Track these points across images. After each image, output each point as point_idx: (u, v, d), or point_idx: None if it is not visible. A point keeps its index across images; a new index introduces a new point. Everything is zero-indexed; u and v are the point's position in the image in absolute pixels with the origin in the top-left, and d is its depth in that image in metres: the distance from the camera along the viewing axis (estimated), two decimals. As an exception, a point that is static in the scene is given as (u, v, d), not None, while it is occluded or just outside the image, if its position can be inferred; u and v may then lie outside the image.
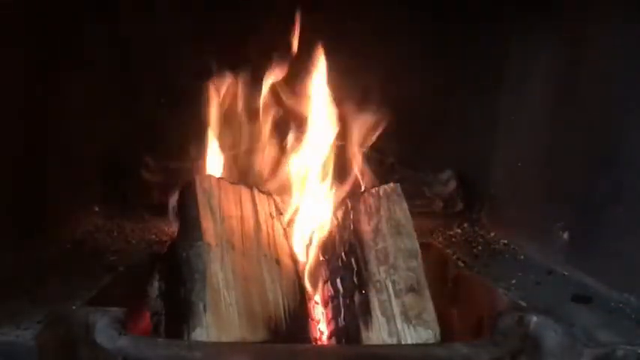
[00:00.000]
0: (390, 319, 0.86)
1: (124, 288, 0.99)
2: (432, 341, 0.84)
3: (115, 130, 1.41)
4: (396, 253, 0.92)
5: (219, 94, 1.30)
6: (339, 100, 1.27)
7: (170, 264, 0.94)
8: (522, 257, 1.21)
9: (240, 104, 1.31)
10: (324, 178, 1.25)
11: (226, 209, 0.97)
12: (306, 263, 1.10)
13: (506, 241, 1.31)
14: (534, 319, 0.84)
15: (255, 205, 1.04)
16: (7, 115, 0.99)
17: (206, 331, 0.81)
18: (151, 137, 1.45)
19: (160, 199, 1.41)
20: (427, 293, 0.88)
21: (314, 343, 0.96)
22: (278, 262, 0.97)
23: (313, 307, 1.06)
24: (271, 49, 1.29)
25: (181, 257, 0.91)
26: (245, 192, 1.04)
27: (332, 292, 1.00)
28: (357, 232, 0.97)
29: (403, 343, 0.84)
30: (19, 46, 1.01)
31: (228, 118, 1.31)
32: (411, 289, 0.88)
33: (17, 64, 1.01)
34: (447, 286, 1.17)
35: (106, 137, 1.41)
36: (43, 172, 1.13)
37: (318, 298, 1.07)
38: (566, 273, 1.07)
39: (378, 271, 0.91)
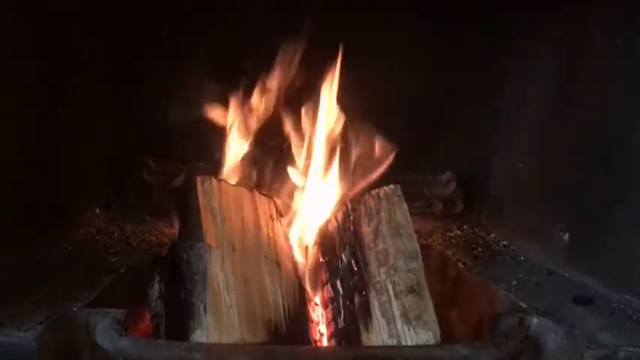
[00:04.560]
0: (390, 320, 0.86)
1: (124, 289, 0.99)
2: (432, 343, 0.83)
3: (116, 133, 1.42)
4: (396, 255, 0.92)
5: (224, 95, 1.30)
6: (339, 102, 1.27)
7: (171, 265, 0.94)
8: (522, 258, 1.20)
9: (243, 105, 1.32)
10: (324, 180, 1.25)
11: (227, 211, 0.97)
12: (306, 265, 1.10)
13: (506, 243, 1.31)
14: (535, 320, 0.84)
15: (255, 206, 1.04)
16: (7, 118, 1.00)
17: (206, 332, 0.81)
18: (152, 139, 1.46)
19: (161, 201, 1.42)
20: (427, 294, 0.88)
21: (314, 345, 0.96)
22: (278, 263, 0.97)
23: (313, 308, 1.06)
24: (273, 52, 1.30)
25: (182, 259, 0.92)
26: (246, 194, 1.04)
27: (332, 293, 1.00)
28: (357, 234, 0.97)
29: (403, 344, 0.83)
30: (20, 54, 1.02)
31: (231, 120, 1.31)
32: (411, 291, 0.88)
33: (18, 73, 1.02)
34: (447, 288, 1.17)
35: (107, 139, 1.41)
36: (45, 174, 1.13)
37: (318, 299, 1.07)
38: (566, 274, 1.07)
39: (378, 273, 0.91)
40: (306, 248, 1.15)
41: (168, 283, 0.93)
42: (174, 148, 1.46)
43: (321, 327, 1.04)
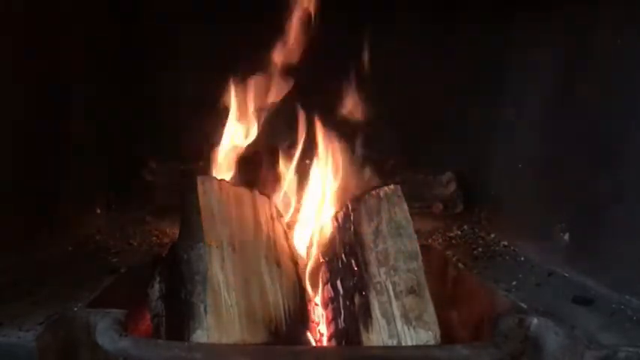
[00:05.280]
0: (390, 320, 0.86)
1: (125, 290, 0.99)
2: (432, 343, 0.83)
3: (118, 133, 1.42)
4: (397, 255, 0.92)
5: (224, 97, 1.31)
6: (339, 103, 1.27)
7: (171, 266, 0.94)
8: (522, 259, 1.20)
9: (244, 107, 1.32)
10: (324, 180, 1.25)
11: (227, 211, 0.97)
12: (306, 265, 1.11)
13: (506, 243, 1.31)
14: (535, 320, 0.84)
15: (255, 207, 1.04)
16: (9, 119, 1.00)
17: (206, 332, 0.81)
18: (152, 139, 1.46)
19: (162, 201, 1.42)
20: (427, 295, 0.88)
21: (314, 345, 0.96)
22: (278, 263, 0.97)
23: (313, 308, 1.06)
24: (274, 52, 1.30)
25: (182, 259, 0.91)
26: (246, 194, 1.04)
27: (332, 293, 1.00)
28: (357, 234, 0.97)
29: (403, 344, 0.83)
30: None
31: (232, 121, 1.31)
32: (412, 291, 0.88)
33: (19, 73, 1.02)
34: (447, 288, 1.17)
35: (108, 139, 1.41)
36: (46, 174, 1.13)
37: (318, 299, 1.07)
38: (566, 274, 1.07)
39: (379, 273, 0.91)
40: (307, 248, 1.15)
41: (169, 284, 0.93)
42: (174, 148, 1.46)
43: (321, 327, 1.04)
